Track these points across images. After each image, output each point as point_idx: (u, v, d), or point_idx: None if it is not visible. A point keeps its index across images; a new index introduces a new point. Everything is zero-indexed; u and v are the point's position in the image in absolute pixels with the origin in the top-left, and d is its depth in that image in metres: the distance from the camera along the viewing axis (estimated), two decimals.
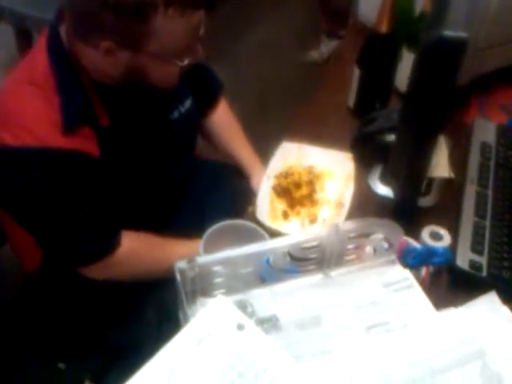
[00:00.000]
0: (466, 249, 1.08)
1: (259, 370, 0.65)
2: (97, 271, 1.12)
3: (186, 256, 1.17)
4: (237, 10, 3.06)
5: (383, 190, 1.25)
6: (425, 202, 1.20)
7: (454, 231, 1.10)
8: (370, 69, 1.32)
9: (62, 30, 1.05)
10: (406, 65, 1.37)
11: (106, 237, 1.11)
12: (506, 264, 1.05)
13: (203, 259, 0.72)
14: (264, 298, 0.76)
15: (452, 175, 1.21)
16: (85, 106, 1.04)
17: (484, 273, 1.04)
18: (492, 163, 1.25)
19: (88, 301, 1.23)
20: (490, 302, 0.81)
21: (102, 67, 1.02)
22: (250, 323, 0.68)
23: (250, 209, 1.21)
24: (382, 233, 0.81)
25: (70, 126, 1.01)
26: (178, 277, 0.70)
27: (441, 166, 1.19)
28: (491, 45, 1.32)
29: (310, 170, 1.26)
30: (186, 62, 1.03)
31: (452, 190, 1.23)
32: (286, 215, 1.20)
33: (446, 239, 1.07)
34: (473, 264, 1.06)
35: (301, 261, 0.78)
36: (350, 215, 1.14)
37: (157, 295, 1.20)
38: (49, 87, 1.01)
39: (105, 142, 1.07)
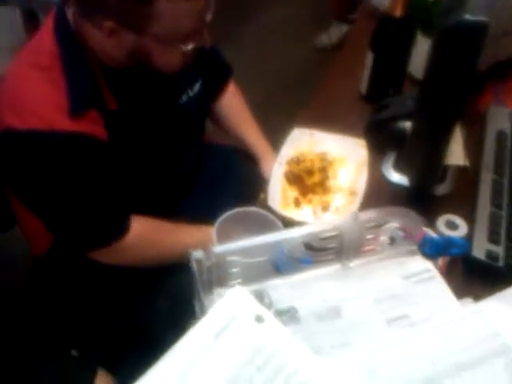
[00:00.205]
0: (482, 238, 1.05)
1: (279, 364, 0.62)
2: (106, 255, 1.10)
3: (197, 242, 1.14)
4: None
5: (397, 177, 1.21)
6: (439, 190, 1.17)
7: (470, 220, 1.07)
8: (384, 53, 1.28)
9: (69, 12, 1.01)
10: (420, 50, 1.33)
11: (115, 221, 1.09)
12: None
13: (219, 249, 0.69)
14: (281, 289, 0.72)
15: (467, 163, 1.17)
16: (92, 89, 1.02)
17: (501, 263, 1.01)
18: (508, 151, 1.22)
19: (98, 286, 1.21)
20: None
21: (107, 49, 0.99)
22: (268, 315, 0.64)
23: (261, 196, 1.18)
24: (402, 222, 0.78)
25: (76, 109, 0.99)
26: (195, 266, 0.67)
27: (456, 153, 1.15)
28: (507, 32, 1.28)
29: (322, 157, 1.22)
30: (191, 46, 0.99)
31: (467, 178, 1.19)
32: (297, 203, 1.17)
33: (462, 228, 1.05)
34: (489, 254, 1.03)
35: (318, 251, 0.75)
36: (363, 203, 1.11)
37: (167, 282, 1.18)
38: (55, 69, 0.99)
39: (112, 125, 1.04)
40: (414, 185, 1.12)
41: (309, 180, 1.18)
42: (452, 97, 0.94)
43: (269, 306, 0.68)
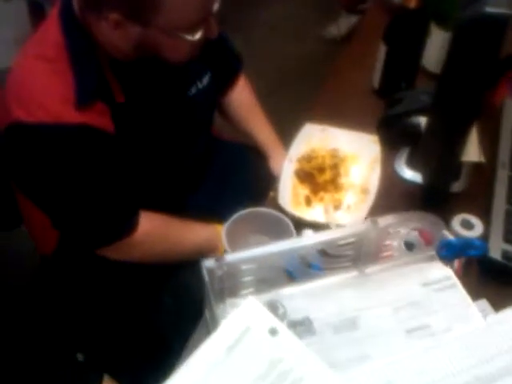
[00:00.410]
0: (498, 238, 1.02)
1: (294, 379, 0.59)
2: (115, 251, 1.08)
3: (205, 239, 1.14)
4: None
5: (410, 174, 1.18)
6: (454, 187, 1.13)
7: (485, 219, 1.03)
8: (397, 46, 1.24)
9: (75, 2, 0.97)
10: (434, 42, 1.29)
11: (124, 216, 1.06)
12: None
13: (232, 257, 0.65)
14: (295, 298, 0.69)
15: (482, 159, 1.13)
16: (99, 80, 0.98)
17: None
18: None
19: (105, 285, 1.18)
20: None
21: (113, 41, 0.96)
22: (283, 327, 0.61)
23: (271, 194, 1.14)
24: (421, 226, 0.74)
25: (82, 100, 0.96)
26: (206, 276, 0.64)
27: (471, 149, 1.11)
28: None
29: (333, 154, 1.18)
30: (198, 36, 0.95)
31: (482, 174, 1.15)
32: (308, 201, 1.13)
33: (478, 228, 1.01)
34: (505, 254, 0.99)
35: (334, 258, 0.71)
36: (375, 201, 1.07)
37: (175, 280, 1.15)
38: (61, 61, 0.96)
39: (120, 118, 1.01)
40: (428, 183, 1.08)
41: (320, 177, 1.14)
42: (471, 92, 0.90)
43: (283, 316, 0.65)
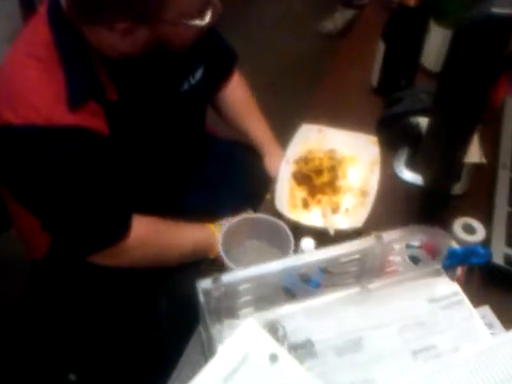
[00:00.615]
0: (500, 242, 0.98)
1: None
2: (106, 258, 1.03)
3: (198, 240, 1.09)
4: None
5: (409, 176, 1.13)
6: (455, 189, 1.08)
7: (487, 222, 0.99)
8: (397, 44, 1.19)
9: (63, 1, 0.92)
10: (433, 39, 1.24)
11: (116, 222, 1.02)
12: None
13: (229, 277, 0.60)
14: (296, 317, 0.64)
15: (484, 160, 1.09)
16: (91, 78, 0.94)
17: None
18: None
19: (99, 296, 1.13)
20: None
21: (119, 48, 0.92)
22: (283, 353, 0.56)
23: (268, 196, 1.10)
24: (427, 240, 0.69)
25: (75, 100, 0.91)
26: (202, 297, 0.59)
27: (471, 150, 1.06)
28: None
29: (331, 155, 1.13)
30: (208, 19, 0.91)
31: (483, 176, 1.10)
32: (305, 204, 1.08)
33: (480, 233, 0.97)
34: (508, 259, 0.96)
35: (337, 275, 0.66)
36: (373, 205, 1.02)
37: (169, 287, 1.11)
38: (51, 59, 0.91)
39: (113, 118, 0.97)
40: (429, 185, 1.03)
41: (317, 180, 1.09)
42: (476, 93, 0.85)
43: (283, 338, 0.60)
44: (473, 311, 0.68)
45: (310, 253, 0.64)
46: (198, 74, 1.13)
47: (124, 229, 1.01)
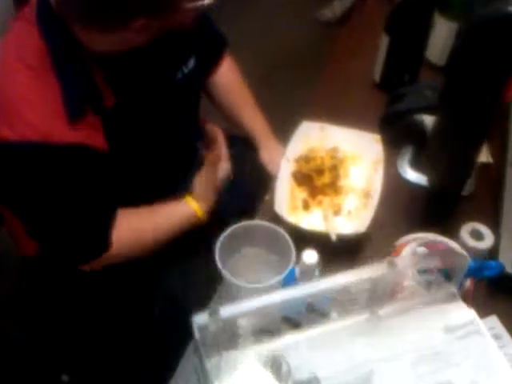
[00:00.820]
0: (509, 248, 0.92)
1: None
2: (94, 265, 1.00)
3: (181, 217, 1.03)
4: None
5: (414, 176, 1.07)
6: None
7: (494, 225, 0.94)
8: (400, 37, 1.12)
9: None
10: (438, 32, 1.17)
11: (101, 236, 0.97)
12: None
13: (227, 312, 0.53)
14: (300, 350, 0.57)
15: (490, 160, 1.03)
16: (87, 82, 0.89)
17: None
18: None
19: (91, 297, 1.09)
20: None
21: (127, 43, 0.88)
22: None
23: (266, 197, 1.04)
24: (444, 264, 0.63)
25: (74, 112, 0.87)
26: (197, 333, 0.53)
27: None
28: None
29: (332, 154, 1.07)
30: None
31: (490, 176, 1.05)
32: (306, 205, 1.02)
33: (489, 239, 0.92)
34: None
35: (345, 303, 0.60)
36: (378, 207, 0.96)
37: (162, 286, 1.07)
38: (44, 68, 0.86)
39: (110, 128, 0.93)
40: (435, 186, 0.97)
41: (318, 180, 1.03)
42: (488, 91, 0.79)
43: (287, 376, 0.54)
44: (492, 342, 0.62)
45: (316, 283, 0.57)
46: (191, 63, 1.08)
47: (108, 241, 0.97)
